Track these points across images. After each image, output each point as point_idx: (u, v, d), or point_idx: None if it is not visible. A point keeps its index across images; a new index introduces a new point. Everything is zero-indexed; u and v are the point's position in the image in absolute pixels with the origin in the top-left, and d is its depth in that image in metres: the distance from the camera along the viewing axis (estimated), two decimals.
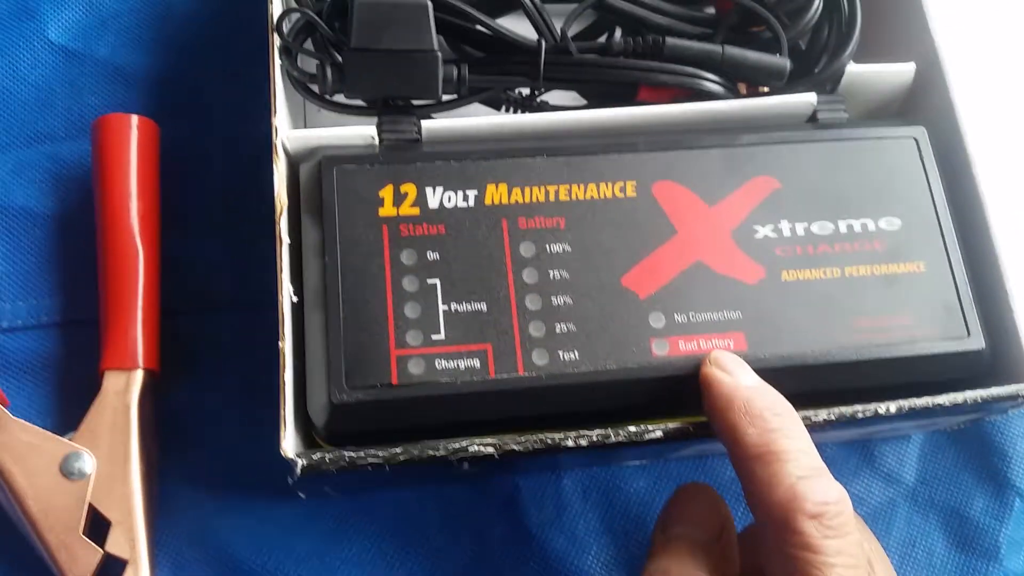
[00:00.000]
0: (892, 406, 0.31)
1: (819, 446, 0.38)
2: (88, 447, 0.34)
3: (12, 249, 0.39)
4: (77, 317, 0.38)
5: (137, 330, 0.35)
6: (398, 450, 0.30)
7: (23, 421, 0.34)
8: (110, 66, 0.42)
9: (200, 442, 0.37)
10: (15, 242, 0.40)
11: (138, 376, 0.35)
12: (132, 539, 0.33)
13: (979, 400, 0.32)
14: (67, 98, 0.42)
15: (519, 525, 0.37)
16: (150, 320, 0.36)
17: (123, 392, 0.35)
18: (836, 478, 0.38)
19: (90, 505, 0.33)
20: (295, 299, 0.31)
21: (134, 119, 0.38)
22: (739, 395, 0.28)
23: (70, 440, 0.34)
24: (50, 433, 0.34)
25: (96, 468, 0.33)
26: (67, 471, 0.33)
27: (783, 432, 0.27)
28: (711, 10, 0.41)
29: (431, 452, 0.30)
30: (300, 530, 0.36)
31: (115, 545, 0.33)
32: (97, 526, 0.33)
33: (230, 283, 0.39)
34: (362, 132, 0.34)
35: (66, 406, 0.37)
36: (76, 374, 0.38)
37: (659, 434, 0.30)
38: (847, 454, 0.39)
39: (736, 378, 0.29)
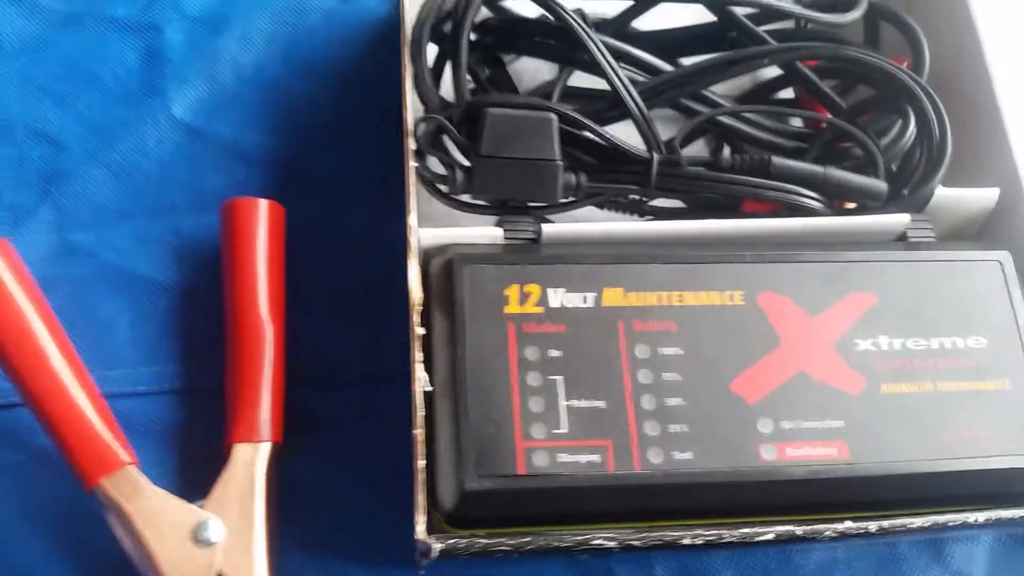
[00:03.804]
0: (980, 516, 0.34)
1: (895, 544, 0.40)
2: (217, 515, 0.36)
3: (136, 316, 0.42)
4: (197, 384, 0.41)
5: (265, 406, 0.37)
6: (527, 539, 0.32)
7: (158, 488, 0.36)
8: (230, 144, 0.45)
9: (314, 511, 0.39)
10: (138, 310, 0.42)
11: (265, 449, 0.37)
12: None
13: None
14: (189, 174, 0.45)
15: None
16: (276, 396, 0.38)
17: (250, 463, 0.37)
18: (907, 574, 0.40)
19: (218, 572, 0.35)
20: (429, 388, 0.34)
21: (263, 203, 0.40)
22: None
23: (200, 507, 0.36)
24: (183, 500, 0.36)
25: (224, 536, 0.35)
26: (198, 538, 0.35)
27: None
28: (797, 122, 0.44)
29: (556, 543, 0.32)
30: None
31: None
32: None
33: (342, 362, 0.41)
34: (487, 232, 0.37)
35: (184, 470, 0.39)
36: (195, 439, 0.40)
37: (770, 536, 0.32)
38: (919, 551, 0.41)
39: None
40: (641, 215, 0.41)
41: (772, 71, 0.44)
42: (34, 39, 0.47)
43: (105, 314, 0.42)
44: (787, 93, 0.46)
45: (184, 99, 0.46)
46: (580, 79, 0.43)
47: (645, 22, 0.44)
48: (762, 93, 0.45)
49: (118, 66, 0.47)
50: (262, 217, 0.40)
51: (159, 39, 0.47)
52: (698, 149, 0.45)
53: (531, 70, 0.45)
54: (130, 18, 0.48)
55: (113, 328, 0.42)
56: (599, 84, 0.40)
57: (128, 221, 0.44)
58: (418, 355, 0.34)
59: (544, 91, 0.44)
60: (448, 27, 0.40)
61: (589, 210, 0.40)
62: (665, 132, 0.39)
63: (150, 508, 0.35)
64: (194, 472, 0.39)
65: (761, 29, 0.41)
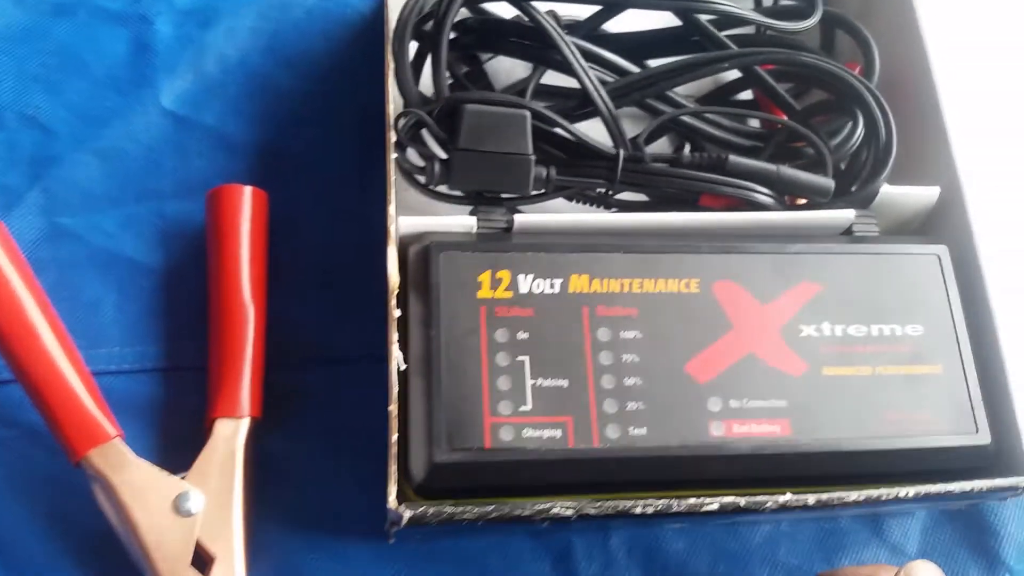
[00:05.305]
0: (911, 491, 0.36)
1: (836, 519, 0.43)
2: (198, 487, 0.38)
3: (120, 298, 0.43)
4: (178, 364, 0.42)
5: (246, 383, 0.39)
6: (490, 508, 0.34)
7: (141, 460, 0.38)
8: (215, 133, 0.47)
9: (288, 485, 0.41)
10: (123, 291, 0.44)
11: (245, 424, 0.39)
12: (232, 574, 0.37)
13: (984, 489, 0.37)
14: (175, 160, 0.46)
15: None
16: (257, 373, 0.40)
17: (231, 438, 0.39)
18: (847, 547, 0.43)
19: (197, 540, 0.37)
20: (404, 367, 0.36)
21: (247, 190, 0.42)
22: None
23: (182, 479, 0.38)
24: (165, 472, 0.38)
25: (204, 507, 0.37)
26: (178, 508, 0.37)
27: None
28: (754, 122, 0.47)
29: (518, 511, 0.34)
30: (376, 570, 0.40)
31: None
32: (200, 559, 0.37)
33: (318, 341, 0.43)
34: (462, 221, 0.39)
35: (164, 445, 0.41)
36: (175, 416, 0.42)
37: (715, 506, 0.34)
38: (859, 526, 0.44)
39: None
40: (607, 208, 0.43)
41: (732, 73, 0.47)
42: (26, 28, 0.48)
43: (91, 295, 0.43)
44: (745, 94, 0.49)
45: (172, 89, 0.48)
46: (552, 78, 0.45)
47: (614, 25, 0.46)
48: (722, 94, 0.48)
49: (108, 56, 0.48)
50: (246, 203, 0.42)
51: (148, 31, 0.49)
52: (662, 146, 0.47)
53: (506, 68, 0.47)
54: (120, 10, 0.49)
55: (99, 308, 0.43)
56: (570, 83, 0.42)
57: (115, 206, 0.45)
58: (394, 336, 0.36)
59: (518, 89, 0.46)
60: (429, 25, 0.42)
61: (558, 201, 0.43)
62: (631, 130, 0.41)
63: (134, 479, 0.37)
64: (173, 447, 0.41)
65: (723, 34, 0.44)
